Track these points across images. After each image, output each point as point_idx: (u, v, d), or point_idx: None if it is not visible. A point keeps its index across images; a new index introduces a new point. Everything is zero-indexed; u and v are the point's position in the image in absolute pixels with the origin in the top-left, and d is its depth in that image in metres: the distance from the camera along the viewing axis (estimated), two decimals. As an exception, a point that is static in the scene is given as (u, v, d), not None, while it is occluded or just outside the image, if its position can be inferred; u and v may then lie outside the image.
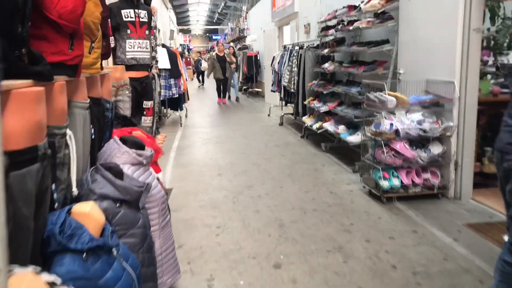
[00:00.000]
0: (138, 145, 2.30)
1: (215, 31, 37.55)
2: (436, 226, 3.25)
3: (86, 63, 2.02)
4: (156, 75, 5.94)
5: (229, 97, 13.09)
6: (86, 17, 1.93)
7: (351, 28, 5.06)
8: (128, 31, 4.33)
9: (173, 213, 3.61)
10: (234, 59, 12.71)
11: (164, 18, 14.63)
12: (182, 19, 40.32)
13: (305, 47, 6.85)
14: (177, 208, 3.77)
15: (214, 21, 36.00)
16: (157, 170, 2.77)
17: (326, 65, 5.82)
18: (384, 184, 3.71)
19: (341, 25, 5.55)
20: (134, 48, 4.40)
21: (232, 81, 13.05)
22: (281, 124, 8.24)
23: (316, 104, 6.13)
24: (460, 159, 3.76)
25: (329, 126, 5.52)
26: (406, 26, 4.34)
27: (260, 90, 14.12)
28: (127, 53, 4.36)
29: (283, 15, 10.35)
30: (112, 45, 4.36)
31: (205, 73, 20.77)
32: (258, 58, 13.90)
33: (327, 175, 4.69)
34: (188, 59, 27.97)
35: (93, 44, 2.05)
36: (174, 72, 7.92)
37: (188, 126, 8.38)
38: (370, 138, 3.93)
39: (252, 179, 4.63)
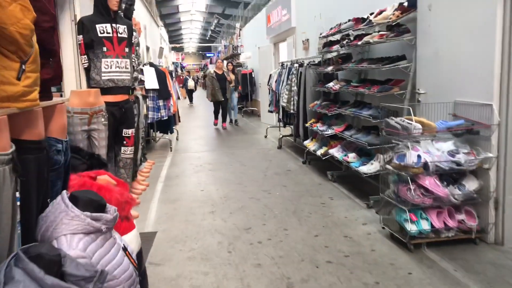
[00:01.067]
0: (95, 205, 1.65)
1: (208, 49, 37.25)
2: (484, 287, 2.60)
3: (11, 94, 1.38)
4: (140, 97, 5.33)
5: (230, 121, 11.73)
6: (8, 26, 1.30)
7: (359, 43, 4.49)
8: (104, 49, 3.72)
9: (155, 268, 2.94)
10: (233, 77, 11.28)
11: (155, 36, 14.10)
12: (174, 37, 40.06)
13: (305, 65, 6.27)
14: (160, 261, 3.09)
15: (207, 38, 35.73)
16: (128, 228, 2.11)
17: (331, 84, 5.23)
18: (412, 228, 3.06)
19: (346, 40, 4.98)
20: (112, 68, 3.78)
21: (231, 102, 11.32)
22: (279, 147, 7.61)
23: (319, 127, 5.52)
24: (501, 197, 3.13)
25: (336, 152, 4.90)
26: (426, 40, 3.75)
27: (255, 109, 13.55)
28: (103, 74, 3.74)
29: (279, 30, 9.83)
30: (86, 65, 3.75)
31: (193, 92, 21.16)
32: (253, 75, 13.36)
33: (338, 212, 4.04)
34: (181, 77, 27.54)
35: (23, 66, 1.42)
36: (163, 93, 7.30)
37: (179, 151, 7.72)
38: (392, 172, 3.30)
39: (250, 218, 3.97)
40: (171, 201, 4.60)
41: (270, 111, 8.46)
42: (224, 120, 10.82)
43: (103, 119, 3.55)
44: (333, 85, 5.20)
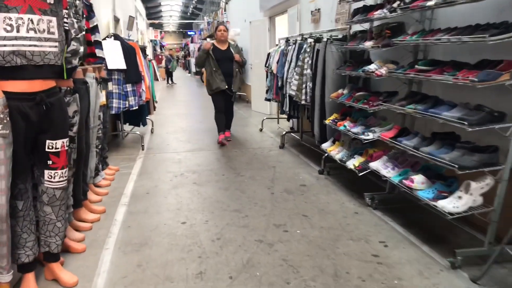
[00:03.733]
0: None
1: (190, 26, 34.99)
2: None
3: None
4: (93, 81, 3.59)
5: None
6: None
7: (429, 3, 2.86)
8: (1, -5, 2.00)
9: None
10: (239, 58, 6.25)
11: (128, 6, 12.11)
12: (153, 14, 37.52)
13: (324, 40, 4.62)
14: None
15: (189, 14, 33.39)
16: None
17: (372, 67, 3.61)
18: None
19: (399, 1, 3.35)
20: (20, 31, 2.07)
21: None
22: (282, 146, 5.98)
23: (350, 127, 3.92)
24: None
25: (382, 168, 3.31)
26: None
27: (244, 94, 11.84)
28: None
29: (277, 1, 8.10)
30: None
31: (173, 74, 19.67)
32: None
33: (407, 277, 2.47)
34: (160, 57, 25.50)
35: None
36: (131, 75, 5.55)
37: (152, 149, 6.02)
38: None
39: (265, 290, 2.37)
40: (135, 247, 2.94)
41: (268, 99, 6.79)
42: (227, 127, 6.62)
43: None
44: (375, 68, 3.57)
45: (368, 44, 3.73)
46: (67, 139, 2.43)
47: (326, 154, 4.53)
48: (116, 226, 3.29)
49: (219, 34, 6.09)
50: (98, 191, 3.98)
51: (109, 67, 5.27)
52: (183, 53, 25.69)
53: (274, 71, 6.19)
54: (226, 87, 6.02)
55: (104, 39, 5.41)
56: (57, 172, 2.36)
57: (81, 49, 2.66)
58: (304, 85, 4.96)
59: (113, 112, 5.48)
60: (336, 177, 4.47)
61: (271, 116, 8.56)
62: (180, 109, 10.65)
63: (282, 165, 5.01)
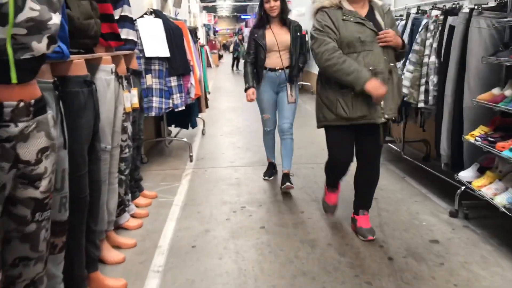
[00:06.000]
0: None
1: (244, 10, 33.57)
2: None
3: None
4: (113, 76, 2.22)
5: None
6: None
7: None
8: None
9: None
10: None
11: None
12: (207, -3, 36.41)
13: (465, 11, 2.96)
14: None
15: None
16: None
17: None
18: None
19: None
20: None
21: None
22: (375, 161, 4.38)
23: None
24: None
25: None
26: None
27: (308, 84, 10.27)
28: None
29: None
30: None
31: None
32: (307, 39, 9.98)
33: None
34: (214, 42, 24.45)
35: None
36: (177, 65, 4.19)
37: (203, 160, 4.67)
38: None
39: None
40: None
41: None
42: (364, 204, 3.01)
43: None
44: None
45: None
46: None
47: (463, 188, 2.93)
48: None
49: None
50: (120, 242, 2.66)
51: (146, 55, 3.94)
52: (236, 37, 24.38)
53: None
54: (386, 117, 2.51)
55: (142, 16, 4.07)
56: None
57: (54, 18, 1.27)
58: (423, 80, 3.35)
59: (153, 114, 4.17)
60: (483, 226, 2.86)
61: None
62: (235, 101, 9.25)
63: (385, 196, 3.46)
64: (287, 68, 3.53)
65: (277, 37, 3.48)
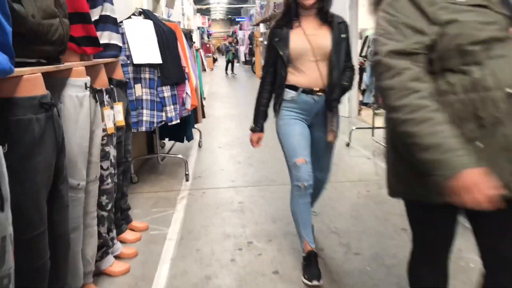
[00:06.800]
0: None
1: (238, 13, 33.13)
2: None
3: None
4: (87, 93, 1.70)
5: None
6: None
7: None
8: None
9: None
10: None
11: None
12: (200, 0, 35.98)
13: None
14: None
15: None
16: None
17: None
18: None
19: None
20: None
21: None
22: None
23: None
24: None
25: None
26: None
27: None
28: None
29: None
30: None
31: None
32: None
33: None
34: (208, 46, 23.97)
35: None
36: (170, 73, 3.65)
37: (201, 179, 4.14)
38: None
39: None
40: None
41: (365, 104, 4.71)
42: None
43: None
44: None
45: None
46: None
47: None
48: None
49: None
50: (101, 299, 2.13)
51: (135, 62, 3.41)
52: (230, 39, 23.85)
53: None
54: None
55: (129, 17, 3.54)
56: None
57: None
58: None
59: (143, 129, 3.63)
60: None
61: (350, 118, 6.49)
62: (232, 107, 8.73)
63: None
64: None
65: (311, 39, 2.22)
